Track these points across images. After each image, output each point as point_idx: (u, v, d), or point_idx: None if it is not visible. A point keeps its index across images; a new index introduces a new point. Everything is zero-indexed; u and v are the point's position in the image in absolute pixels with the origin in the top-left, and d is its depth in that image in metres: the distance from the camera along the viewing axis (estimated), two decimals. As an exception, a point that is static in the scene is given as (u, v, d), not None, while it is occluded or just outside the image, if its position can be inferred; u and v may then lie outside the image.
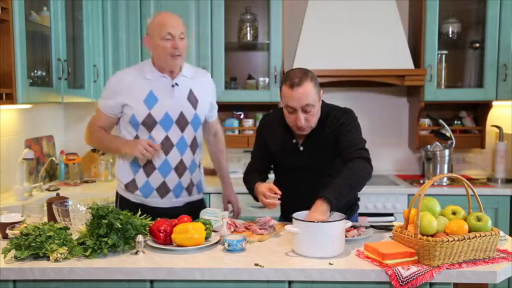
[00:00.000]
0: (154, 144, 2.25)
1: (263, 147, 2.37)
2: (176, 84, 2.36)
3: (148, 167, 2.36)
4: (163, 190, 2.38)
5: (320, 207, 1.91)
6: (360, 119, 2.28)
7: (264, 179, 2.41)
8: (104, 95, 2.40)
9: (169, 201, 2.40)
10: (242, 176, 2.42)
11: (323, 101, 2.24)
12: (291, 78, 2.08)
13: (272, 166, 2.42)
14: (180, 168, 2.39)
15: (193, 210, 2.30)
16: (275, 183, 2.36)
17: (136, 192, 2.39)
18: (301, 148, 2.24)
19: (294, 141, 2.25)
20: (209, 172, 3.25)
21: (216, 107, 2.59)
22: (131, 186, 2.39)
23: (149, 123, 2.31)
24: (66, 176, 3.66)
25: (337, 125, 2.18)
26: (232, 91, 3.67)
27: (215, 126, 2.64)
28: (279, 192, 2.11)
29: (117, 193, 2.51)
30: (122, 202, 2.43)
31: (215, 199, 3.40)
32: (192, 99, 2.39)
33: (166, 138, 2.34)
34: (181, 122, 2.36)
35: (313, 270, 1.71)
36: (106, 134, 2.42)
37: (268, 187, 2.14)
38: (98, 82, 3.48)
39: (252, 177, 2.34)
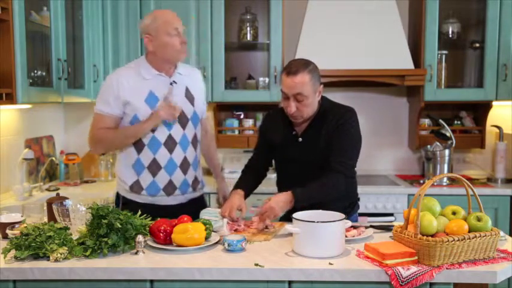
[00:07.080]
0: (172, 106, 2.26)
1: (264, 145, 2.42)
2: (174, 82, 2.37)
3: (154, 166, 2.35)
4: (170, 188, 2.38)
5: (282, 197, 2.09)
6: (360, 119, 2.28)
7: (261, 178, 2.48)
8: (103, 98, 2.32)
9: (175, 199, 2.41)
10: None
11: (326, 98, 2.29)
12: (290, 66, 2.19)
13: (274, 162, 2.45)
14: (185, 165, 2.40)
15: (197, 206, 2.38)
16: (277, 180, 2.38)
17: (142, 192, 2.38)
18: (300, 139, 2.27)
19: (294, 132, 2.29)
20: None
21: (206, 105, 2.61)
22: (136, 187, 2.38)
23: None
24: (66, 176, 3.66)
25: (336, 123, 2.21)
26: (232, 91, 3.67)
27: (206, 124, 2.65)
28: (235, 219, 2.19)
29: (118, 194, 2.48)
30: (126, 203, 2.39)
31: (215, 199, 3.39)
32: (189, 96, 2.42)
33: (169, 137, 2.34)
34: (182, 120, 2.37)
35: (313, 270, 1.71)
36: (117, 129, 2.34)
37: (236, 206, 2.20)
38: (98, 82, 3.47)
39: (244, 177, 2.43)
